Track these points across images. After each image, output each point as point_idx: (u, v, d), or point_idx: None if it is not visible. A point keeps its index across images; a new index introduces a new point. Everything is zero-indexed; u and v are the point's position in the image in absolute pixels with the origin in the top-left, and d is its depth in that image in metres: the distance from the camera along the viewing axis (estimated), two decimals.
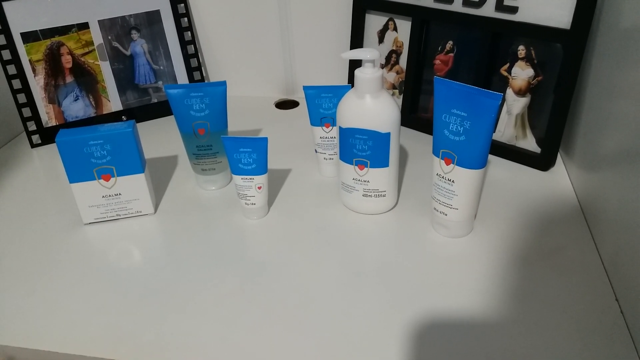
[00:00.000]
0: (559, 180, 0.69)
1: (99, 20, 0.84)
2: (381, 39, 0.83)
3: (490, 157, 0.73)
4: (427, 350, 0.46)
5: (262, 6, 0.90)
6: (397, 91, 0.84)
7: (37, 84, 0.82)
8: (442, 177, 0.56)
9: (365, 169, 0.60)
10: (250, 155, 0.60)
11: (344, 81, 0.90)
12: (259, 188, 0.62)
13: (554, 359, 0.45)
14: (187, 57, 0.91)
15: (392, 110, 0.57)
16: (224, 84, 0.66)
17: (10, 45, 0.79)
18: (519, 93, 0.71)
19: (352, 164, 0.60)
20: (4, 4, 0.78)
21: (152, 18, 0.87)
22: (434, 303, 0.51)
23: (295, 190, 0.69)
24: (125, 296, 0.53)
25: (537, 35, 0.67)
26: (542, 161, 0.70)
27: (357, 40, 0.85)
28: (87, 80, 0.85)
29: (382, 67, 0.85)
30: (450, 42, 0.76)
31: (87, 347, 0.48)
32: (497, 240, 0.58)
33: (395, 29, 0.81)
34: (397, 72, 0.83)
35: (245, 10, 0.91)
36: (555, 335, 0.47)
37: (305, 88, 0.68)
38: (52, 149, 0.83)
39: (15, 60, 0.80)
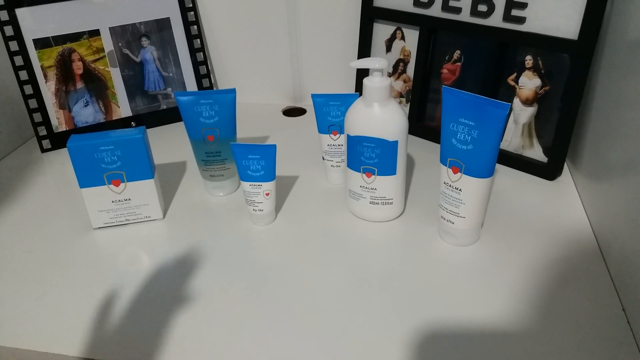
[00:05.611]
0: (566, 189, 0.69)
1: (109, 27, 0.85)
2: (389, 48, 0.84)
3: (497, 166, 0.73)
4: (432, 359, 0.46)
5: (270, 14, 0.90)
6: (404, 100, 0.85)
7: (48, 89, 0.83)
8: (450, 186, 0.57)
9: (373, 176, 0.60)
10: (258, 162, 0.60)
11: (351, 89, 0.91)
12: (267, 194, 0.62)
13: None
14: (196, 65, 0.92)
15: (399, 119, 0.58)
16: (233, 91, 0.66)
17: (23, 51, 0.80)
18: (526, 102, 0.71)
19: (360, 172, 0.61)
20: (17, 10, 0.79)
21: (162, 25, 0.88)
22: (440, 311, 0.51)
23: (303, 197, 0.70)
24: (133, 300, 0.54)
25: (545, 46, 0.67)
26: (549, 171, 0.70)
27: (365, 49, 0.86)
28: (97, 87, 0.86)
29: (390, 76, 0.85)
30: (458, 52, 0.76)
31: (95, 350, 0.48)
32: (503, 249, 0.59)
33: (402, 38, 0.82)
34: (405, 81, 0.84)
35: (254, 18, 0.91)
36: (561, 344, 0.47)
37: (314, 96, 0.68)
38: (62, 154, 0.84)
39: (27, 66, 0.81)
